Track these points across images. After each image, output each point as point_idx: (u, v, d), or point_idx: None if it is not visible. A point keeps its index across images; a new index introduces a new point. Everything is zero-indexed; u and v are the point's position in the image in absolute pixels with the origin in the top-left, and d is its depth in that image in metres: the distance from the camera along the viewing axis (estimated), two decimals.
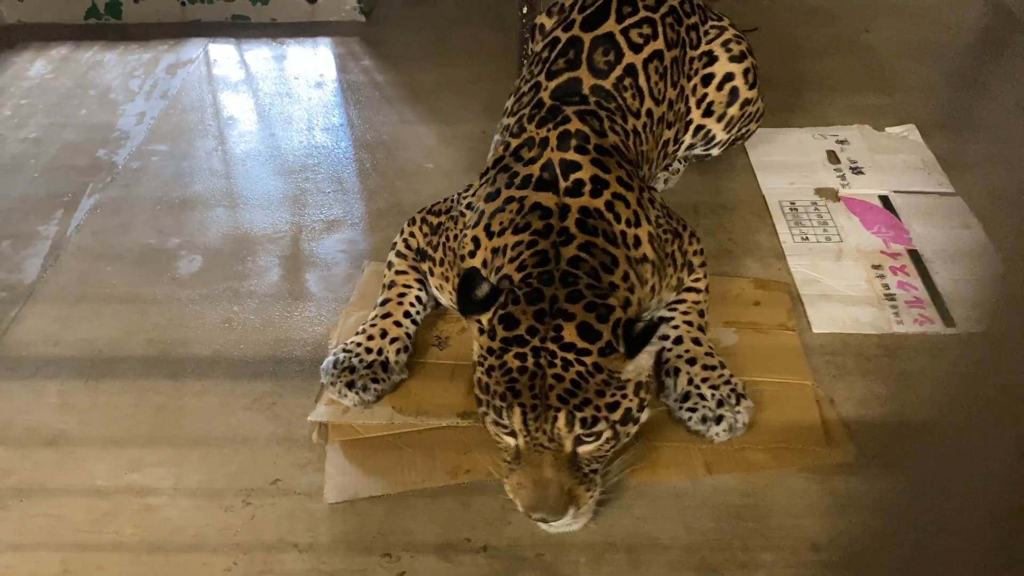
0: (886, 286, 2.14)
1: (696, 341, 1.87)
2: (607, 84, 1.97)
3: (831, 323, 2.04)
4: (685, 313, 1.92)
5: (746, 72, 2.26)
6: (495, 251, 1.70)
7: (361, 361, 1.82)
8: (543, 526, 1.53)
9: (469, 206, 1.84)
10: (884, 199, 2.45)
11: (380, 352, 1.85)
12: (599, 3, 2.08)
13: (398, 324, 1.90)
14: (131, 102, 3.01)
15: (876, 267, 2.20)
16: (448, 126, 2.84)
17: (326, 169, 2.64)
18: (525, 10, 2.59)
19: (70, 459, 1.75)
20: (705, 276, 1.98)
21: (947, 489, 1.68)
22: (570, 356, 1.46)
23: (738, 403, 1.75)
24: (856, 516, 1.63)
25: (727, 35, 2.26)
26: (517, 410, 1.47)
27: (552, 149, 1.77)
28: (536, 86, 2.01)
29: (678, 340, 1.87)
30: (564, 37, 2.05)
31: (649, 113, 2.04)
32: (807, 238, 2.31)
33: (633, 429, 1.57)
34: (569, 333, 1.47)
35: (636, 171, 1.87)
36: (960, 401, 1.85)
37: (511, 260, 1.63)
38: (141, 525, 1.64)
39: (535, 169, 1.75)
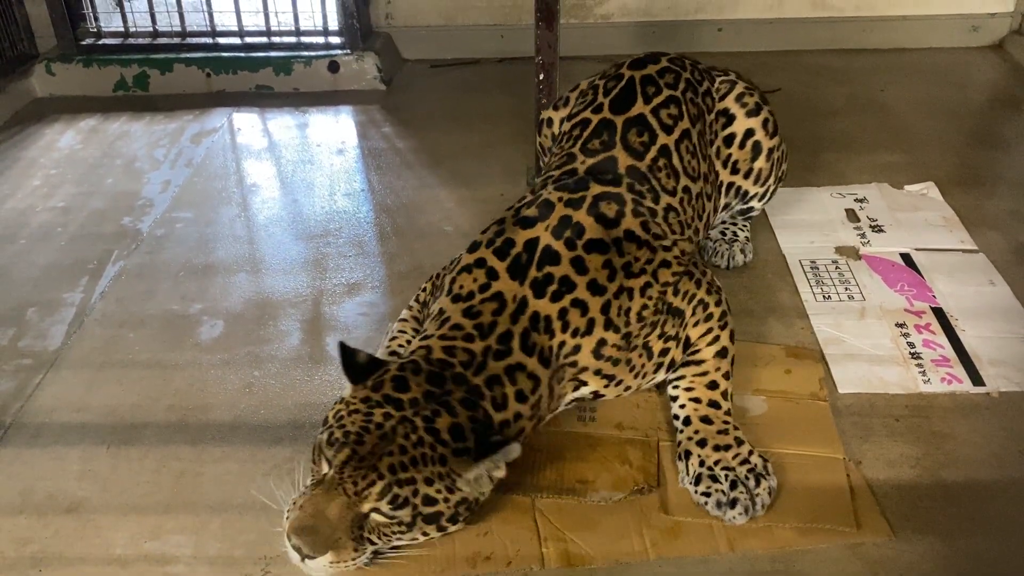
0: (911, 344, 2.11)
1: (705, 419, 1.81)
2: (642, 166, 1.99)
3: (857, 383, 2.01)
4: (688, 390, 1.86)
5: (765, 123, 2.25)
6: (441, 312, 1.76)
7: None
8: (294, 557, 1.50)
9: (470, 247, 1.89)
10: (906, 256, 2.43)
11: None
12: (623, 84, 2.10)
13: None
14: (156, 171, 3.07)
15: (900, 325, 2.18)
16: (467, 189, 2.87)
17: (347, 233, 2.67)
18: (541, 76, 2.64)
19: (90, 527, 1.74)
20: (714, 343, 1.87)
21: (988, 554, 1.63)
22: (428, 439, 1.52)
23: (757, 484, 1.69)
24: None
25: (738, 89, 2.25)
26: (346, 452, 1.51)
27: (547, 229, 1.79)
28: (571, 156, 2.04)
29: (686, 421, 1.83)
30: (595, 119, 2.07)
31: (686, 189, 2.06)
32: (829, 297, 2.29)
33: (432, 533, 1.58)
34: (442, 424, 1.55)
35: (642, 257, 1.81)
36: (998, 462, 1.81)
37: (441, 337, 1.69)
38: None
39: (520, 242, 1.78)
